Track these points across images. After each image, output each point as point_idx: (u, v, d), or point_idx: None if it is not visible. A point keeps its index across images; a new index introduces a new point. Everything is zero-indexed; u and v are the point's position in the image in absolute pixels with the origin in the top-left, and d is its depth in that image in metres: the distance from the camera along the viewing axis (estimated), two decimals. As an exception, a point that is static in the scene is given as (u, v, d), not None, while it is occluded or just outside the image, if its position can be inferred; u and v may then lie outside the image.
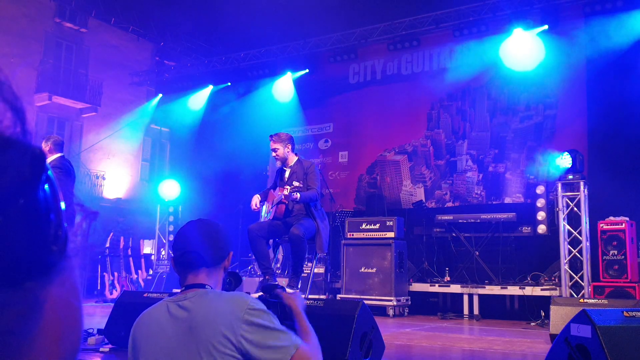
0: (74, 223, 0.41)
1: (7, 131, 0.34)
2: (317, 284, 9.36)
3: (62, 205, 0.38)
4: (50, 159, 5.52)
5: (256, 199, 5.49)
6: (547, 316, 6.58)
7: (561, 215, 8.24)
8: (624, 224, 7.77)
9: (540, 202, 9.02)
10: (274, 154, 5.53)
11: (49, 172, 0.36)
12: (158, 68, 16.71)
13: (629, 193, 8.53)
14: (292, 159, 5.55)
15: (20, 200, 0.33)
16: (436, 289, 9.21)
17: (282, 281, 6.71)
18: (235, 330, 1.58)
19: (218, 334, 1.58)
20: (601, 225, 7.90)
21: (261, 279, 5.41)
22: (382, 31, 11.73)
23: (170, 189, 12.04)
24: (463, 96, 11.15)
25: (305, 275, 7.83)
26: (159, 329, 1.68)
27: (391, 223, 9.08)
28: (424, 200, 10.82)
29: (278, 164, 5.64)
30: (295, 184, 5.34)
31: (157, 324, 1.70)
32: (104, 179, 17.21)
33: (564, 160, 8.26)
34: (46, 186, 0.36)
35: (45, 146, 5.55)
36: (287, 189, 5.18)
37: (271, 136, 5.55)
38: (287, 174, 5.52)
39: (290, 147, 5.49)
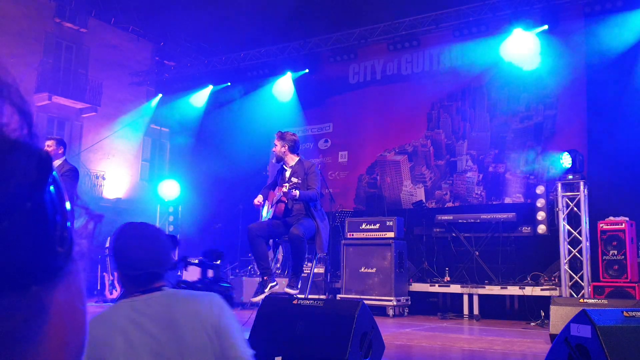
0: (78, 225, 0.40)
1: (15, 134, 0.34)
2: (317, 284, 9.36)
3: (68, 205, 0.37)
4: (59, 161, 5.54)
5: (260, 197, 5.55)
6: (547, 316, 6.58)
7: (561, 215, 8.24)
8: (624, 224, 7.77)
9: (540, 202, 9.02)
10: (273, 148, 5.60)
11: (54, 173, 0.36)
12: (158, 68, 16.69)
13: (629, 193, 8.53)
14: (292, 159, 5.57)
15: (28, 203, 0.33)
16: (436, 289, 9.21)
17: (282, 281, 6.71)
18: (213, 325, 1.65)
19: (199, 328, 1.64)
20: (601, 225, 7.90)
21: (260, 279, 5.41)
22: (382, 31, 11.71)
23: (170, 189, 12.03)
24: (463, 96, 11.14)
25: (305, 275, 7.81)
26: (132, 327, 1.65)
27: (391, 223, 9.08)
28: (424, 200, 10.81)
29: (273, 160, 5.70)
30: (294, 180, 5.34)
31: (127, 322, 1.66)
32: (103, 179, 17.21)
33: (564, 160, 8.26)
34: (52, 187, 0.35)
35: (57, 149, 5.59)
36: (286, 186, 5.18)
37: (277, 132, 5.62)
38: (287, 174, 5.54)
39: (287, 147, 5.52)
